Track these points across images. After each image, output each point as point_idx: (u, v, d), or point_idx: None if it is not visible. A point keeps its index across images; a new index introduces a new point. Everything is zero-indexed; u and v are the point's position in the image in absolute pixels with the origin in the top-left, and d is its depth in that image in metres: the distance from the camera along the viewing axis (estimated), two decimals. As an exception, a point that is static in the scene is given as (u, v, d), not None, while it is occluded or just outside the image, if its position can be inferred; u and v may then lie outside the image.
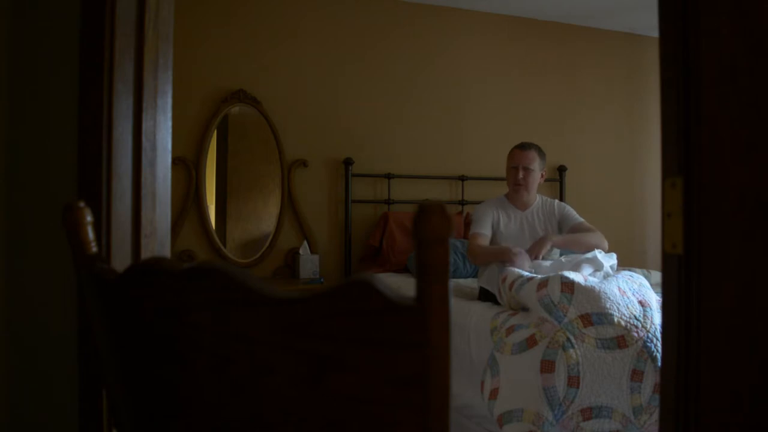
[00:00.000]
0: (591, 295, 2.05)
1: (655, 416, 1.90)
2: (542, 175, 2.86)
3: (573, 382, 1.86)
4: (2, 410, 1.29)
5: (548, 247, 2.67)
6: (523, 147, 2.82)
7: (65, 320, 1.21)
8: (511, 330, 2.02)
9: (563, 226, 2.85)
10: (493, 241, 2.79)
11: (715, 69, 0.67)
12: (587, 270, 2.59)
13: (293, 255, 3.43)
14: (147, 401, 0.69)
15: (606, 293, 2.06)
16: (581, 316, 1.98)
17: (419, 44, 3.82)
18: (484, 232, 2.81)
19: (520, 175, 2.76)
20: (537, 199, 2.90)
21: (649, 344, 1.93)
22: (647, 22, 4.01)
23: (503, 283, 2.31)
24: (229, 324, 0.57)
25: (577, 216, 2.87)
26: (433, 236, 0.45)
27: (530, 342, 1.91)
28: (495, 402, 1.93)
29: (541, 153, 2.85)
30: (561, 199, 4.07)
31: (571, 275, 2.19)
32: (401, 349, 0.47)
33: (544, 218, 2.88)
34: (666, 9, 0.73)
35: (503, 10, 3.96)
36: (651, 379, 1.90)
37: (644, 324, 1.98)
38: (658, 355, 1.92)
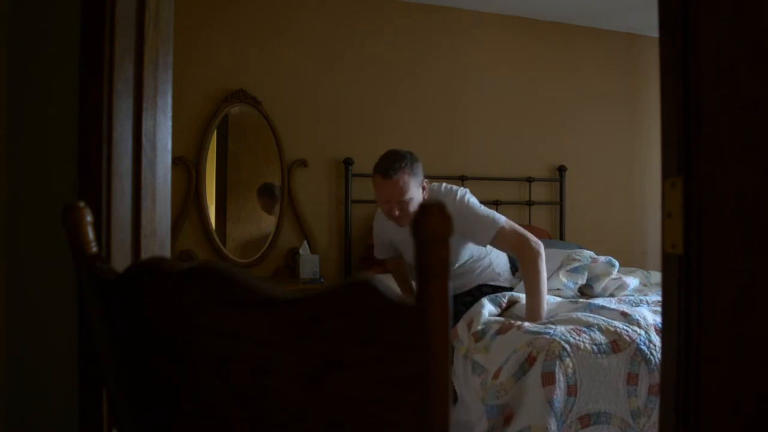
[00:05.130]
0: (571, 321, 2.09)
1: (654, 418, 1.90)
2: (424, 187, 2.22)
3: (571, 390, 1.86)
4: (2, 410, 1.29)
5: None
6: (388, 174, 2.09)
7: (65, 320, 1.21)
8: (498, 374, 1.95)
9: (472, 242, 2.30)
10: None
11: (715, 69, 0.67)
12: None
13: (293, 255, 3.43)
14: (147, 401, 0.69)
15: (585, 316, 2.10)
16: (571, 329, 1.99)
17: (420, 44, 3.82)
18: (384, 258, 2.63)
19: (396, 212, 2.14)
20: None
21: (642, 347, 1.93)
22: (647, 22, 4.01)
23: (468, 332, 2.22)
24: (229, 324, 0.57)
25: (488, 230, 2.17)
26: (433, 236, 0.45)
27: (530, 360, 1.90)
28: (507, 429, 1.90)
29: (413, 167, 2.14)
30: (561, 199, 4.06)
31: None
32: (401, 349, 0.47)
33: None
34: (666, 9, 0.73)
35: (503, 10, 3.96)
36: (645, 381, 1.91)
37: (633, 329, 1.99)
38: (652, 358, 1.92)
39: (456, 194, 2.26)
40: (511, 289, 2.58)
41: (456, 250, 2.34)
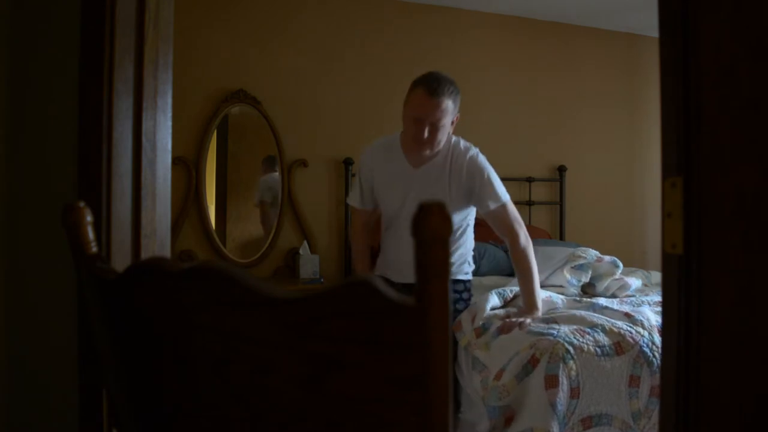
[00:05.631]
0: (575, 319, 2.08)
1: (654, 419, 1.90)
2: (453, 122, 2.10)
3: (574, 393, 1.86)
4: (2, 410, 1.29)
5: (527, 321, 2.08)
6: (436, 92, 1.98)
7: (65, 320, 1.21)
8: (500, 375, 1.93)
9: (475, 205, 2.16)
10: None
11: (715, 69, 0.67)
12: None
13: (293, 255, 3.43)
14: (147, 401, 0.69)
15: (589, 314, 2.10)
16: (575, 330, 1.99)
17: (420, 44, 3.82)
18: (358, 207, 2.30)
19: (425, 133, 2.01)
20: (444, 144, 2.12)
21: (644, 349, 1.93)
22: (647, 22, 4.01)
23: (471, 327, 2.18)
24: (229, 324, 0.57)
25: (492, 199, 2.09)
26: (432, 236, 0.45)
27: (533, 362, 1.90)
28: (508, 429, 1.90)
29: (457, 97, 2.05)
30: (561, 199, 4.06)
31: (543, 303, 2.21)
32: (401, 349, 0.47)
33: (447, 180, 2.10)
34: (666, 9, 0.73)
35: (503, 10, 3.96)
36: (647, 383, 1.91)
37: (636, 330, 1.99)
38: (654, 360, 1.92)
39: (476, 152, 2.17)
40: (468, 282, 2.38)
41: (454, 205, 2.15)
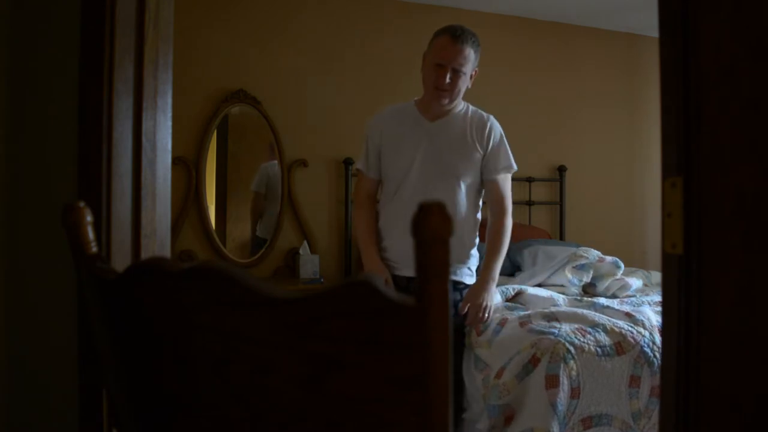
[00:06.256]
0: (576, 316, 2.08)
1: (654, 419, 1.90)
2: (472, 76, 2.14)
3: (574, 393, 1.86)
4: (2, 410, 1.29)
5: (490, 306, 2.03)
6: (459, 39, 2.04)
7: (65, 320, 1.21)
8: (501, 374, 1.93)
9: (484, 169, 2.12)
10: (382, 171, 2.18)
11: (715, 69, 0.67)
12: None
13: (293, 255, 3.43)
14: (147, 401, 0.69)
15: (591, 313, 2.11)
16: (576, 329, 1.99)
17: (420, 44, 3.80)
18: (363, 171, 2.22)
19: (448, 78, 2.03)
20: (461, 105, 2.17)
21: (645, 349, 1.93)
22: (647, 22, 4.00)
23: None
24: (229, 324, 0.57)
25: (503, 166, 2.12)
26: (433, 236, 0.45)
27: (533, 362, 1.90)
28: (508, 429, 1.90)
29: (477, 46, 2.11)
30: (561, 199, 4.06)
31: (544, 300, 2.21)
32: (401, 349, 0.47)
33: (468, 132, 2.09)
34: (666, 9, 0.73)
35: (503, 10, 3.96)
36: (647, 383, 1.91)
37: (637, 330, 2.00)
38: (655, 360, 1.92)
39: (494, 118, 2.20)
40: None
41: (473, 158, 2.11)
